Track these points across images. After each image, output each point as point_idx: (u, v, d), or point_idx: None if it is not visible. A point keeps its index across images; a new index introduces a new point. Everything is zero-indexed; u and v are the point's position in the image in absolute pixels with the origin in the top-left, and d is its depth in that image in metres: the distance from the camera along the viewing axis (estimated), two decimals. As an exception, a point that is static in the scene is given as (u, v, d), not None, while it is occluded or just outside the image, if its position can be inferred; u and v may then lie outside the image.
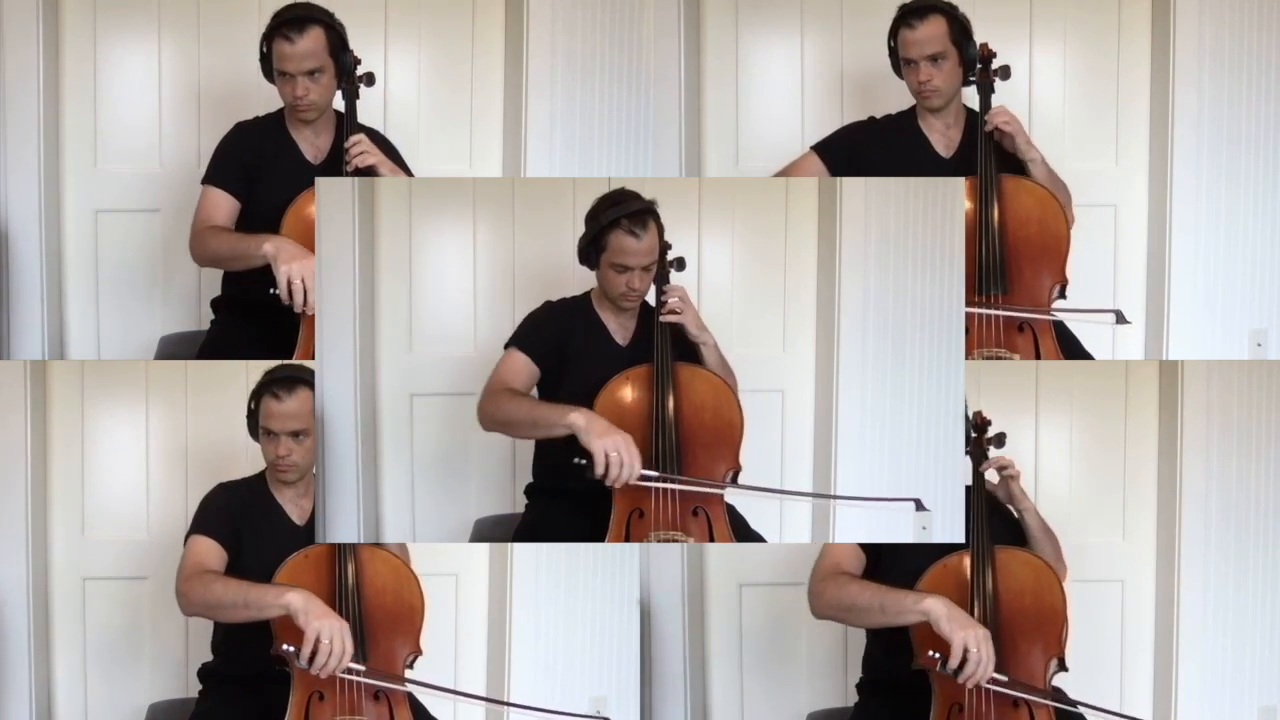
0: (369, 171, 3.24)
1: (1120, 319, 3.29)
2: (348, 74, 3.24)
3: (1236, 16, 3.63)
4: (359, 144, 3.23)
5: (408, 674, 3.02)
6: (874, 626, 3.00)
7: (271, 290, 3.09)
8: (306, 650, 2.77)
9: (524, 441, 3.38)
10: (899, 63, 3.28)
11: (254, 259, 3.10)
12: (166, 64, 3.69)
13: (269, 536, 3.05)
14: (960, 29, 3.24)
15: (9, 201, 3.63)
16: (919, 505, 3.10)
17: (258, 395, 3.07)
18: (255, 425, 3.09)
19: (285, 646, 2.81)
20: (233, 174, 3.25)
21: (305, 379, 3.09)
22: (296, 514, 3.11)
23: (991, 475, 3.01)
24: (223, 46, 3.64)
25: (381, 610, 3.01)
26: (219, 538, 3.00)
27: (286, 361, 3.14)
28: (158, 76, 3.69)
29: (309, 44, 3.16)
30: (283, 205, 3.18)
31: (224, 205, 3.23)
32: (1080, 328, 3.33)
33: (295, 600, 2.79)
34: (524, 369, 3.08)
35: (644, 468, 2.91)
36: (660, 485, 2.98)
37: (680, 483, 3.00)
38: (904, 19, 3.24)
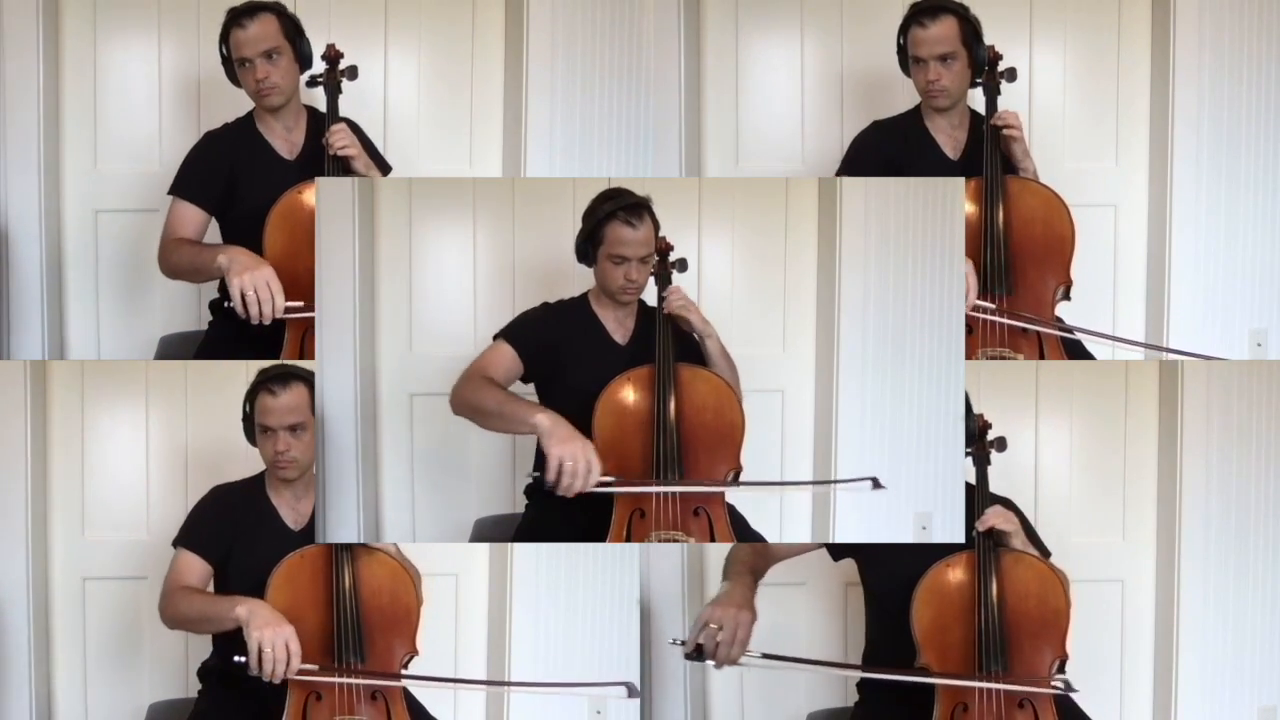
0: (347, 162, 3.24)
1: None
2: (307, 60, 3.25)
3: (1236, 16, 3.63)
4: (341, 134, 3.23)
5: (403, 674, 3.03)
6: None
7: (226, 304, 3.12)
8: (253, 660, 2.82)
9: (525, 442, 3.38)
10: (907, 61, 3.27)
11: (211, 271, 3.12)
12: (166, 64, 3.69)
13: (261, 541, 3.05)
14: (971, 30, 3.23)
15: (9, 201, 3.63)
16: (875, 483, 3.09)
17: (252, 395, 3.07)
18: (251, 428, 3.09)
19: (237, 659, 2.85)
20: (200, 185, 3.26)
21: (299, 374, 3.08)
22: (292, 518, 3.11)
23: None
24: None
25: (378, 611, 3.01)
26: (203, 551, 3.06)
27: (279, 361, 3.14)
28: (158, 76, 3.69)
29: (261, 27, 3.20)
30: (264, 206, 3.18)
31: (190, 217, 3.25)
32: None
33: (241, 612, 2.85)
34: (507, 361, 3.08)
35: (625, 469, 2.93)
36: (617, 491, 2.97)
37: (643, 486, 2.99)
38: (915, 17, 3.24)
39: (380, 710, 2.98)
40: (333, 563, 2.99)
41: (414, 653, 3.03)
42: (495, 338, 3.12)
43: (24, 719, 3.54)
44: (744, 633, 2.79)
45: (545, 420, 2.88)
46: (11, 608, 3.55)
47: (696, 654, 2.80)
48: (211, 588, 3.07)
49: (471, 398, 3.02)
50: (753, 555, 3.04)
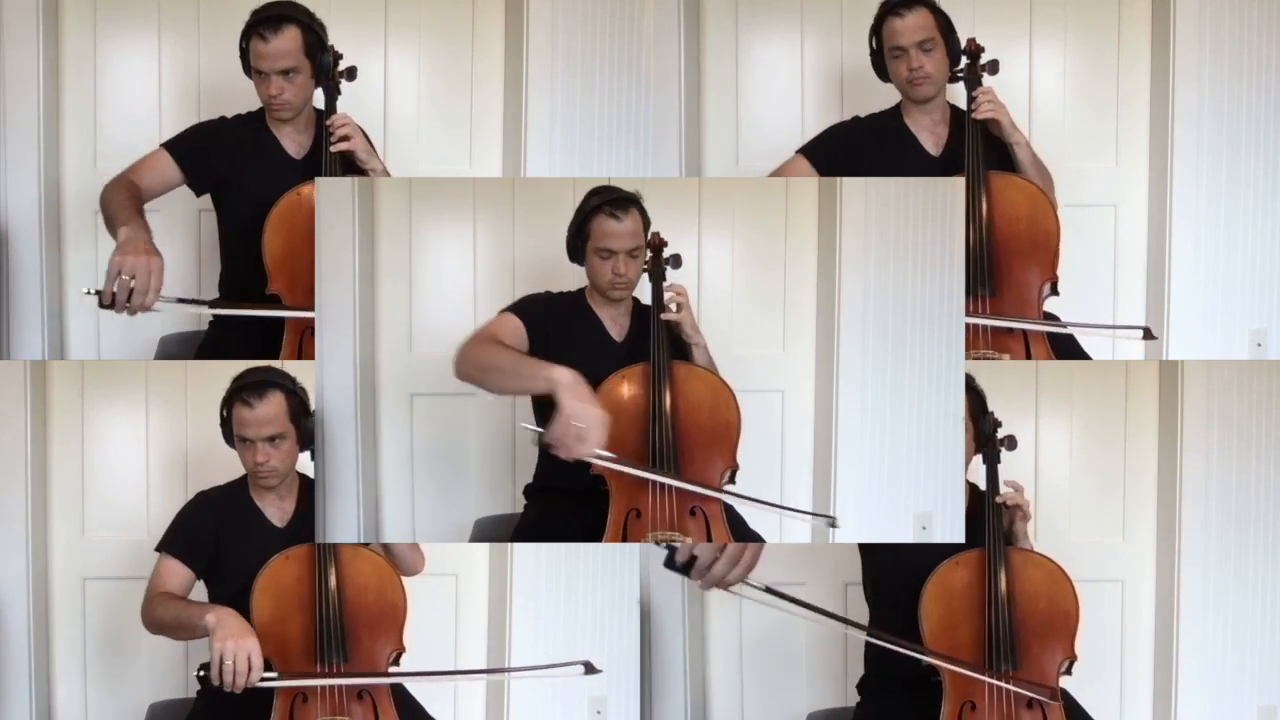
0: (349, 155, 3.22)
1: (1148, 335, 3.33)
2: (326, 72, 3.22)
3: (1236, 16, 3.63)
4: (346, 125, 3.20)
5: (391, 670, 3.01)
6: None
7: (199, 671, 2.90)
8: (214, 669, 2.79)
9: (524, 442, 3.38)
10: (883, 63, 3.29)
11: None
12: (166, 64, 3.69)
13: (250, 542, 3.03)
14: (945, 21, 3.26)
15: (9, 201, 3.63)
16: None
17: (228, 403, 3.04)
18: (230, 433, 3.06)
19: (198, 672, 2.83)
20: (194, 155, 3.21)
21: (276, 381, 3.04)
22: (278, 517, 3.09)
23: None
24: (222, 46, 3.61)
25: (363, 609, 2.99)
26: (185, 558, 3.04)
27: (255, 364, 3.09)
28: (158, 76, 3.69)
29: (284, 44, 3.15)
30: (265, 201, 3.17)
31: (162, 169, 3.19)
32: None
33: (209, 620, 2.82)
34: (515, 331, 3.04)
35: (627, 461, 2.90)
36: (615, 467, 2.90)
37: (630, 466, 2.94)
38: (889, 11, 3.26)
39: (368, 709, 2.95)
40: (316, 562, 2.97)
41: (401, 650, 3.02)
42: (501, 312, 3.09)
43: (24, 719, 3.55)
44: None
45: (566, 374, 2.77)
46: (11, 608, 3.55)
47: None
48: (194, 594, 3.04)
49: (482, 356, 2.94)
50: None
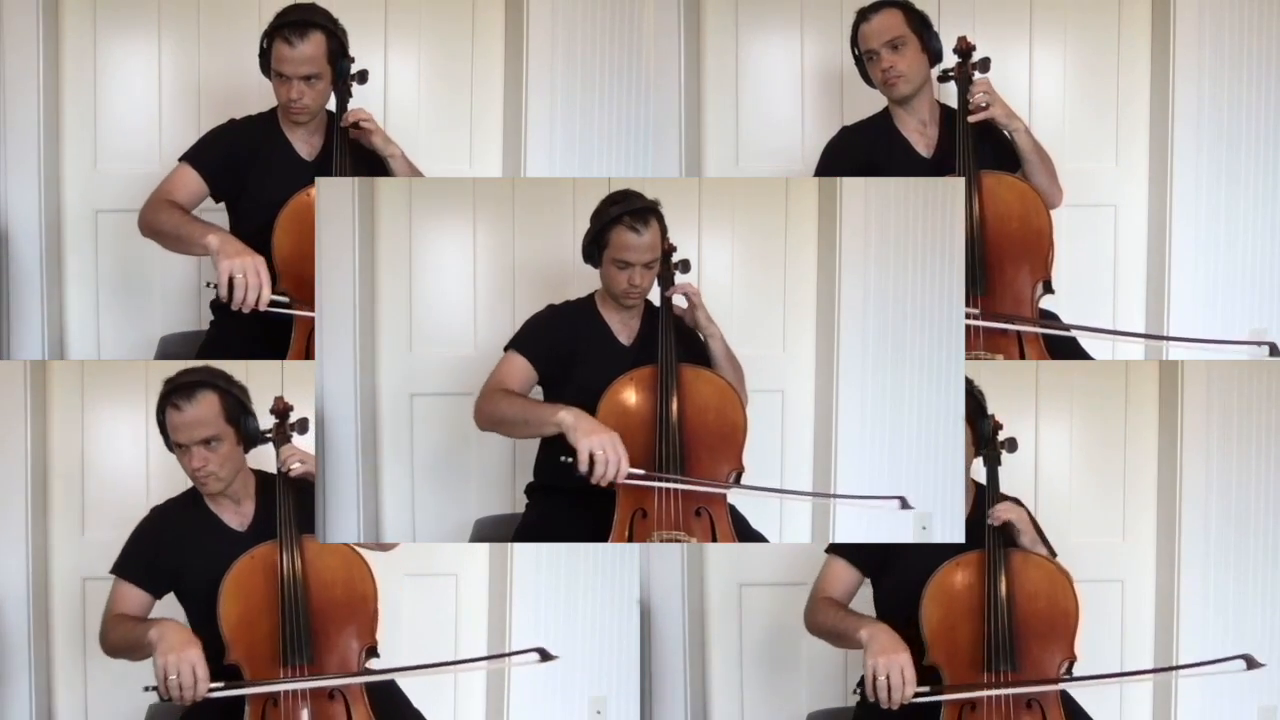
0: (366, 137, 3.22)
1: (1274, 351, 3.34)
2: (344, 78, 3.23)
3: (1236, 16, 3.63)
4: (368, 117, 3.21)
5: (370, 666, 2.96)
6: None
7: (209, 284, 3.03)
8: (160, 685, 2.72)
9: (524, 441, 3.38)
10: (865, 68, 3.30)
11: (195, 247, 3.04)
12: (166, 64, 3.69)
13: (212, 552, 2.92)
14: (919, 19, 3.26)
15: (9, 201, 3.63)
16: (903, 503, 3.10)
17: (161, 409, 2.92)
18: (168, 440, 2.94)
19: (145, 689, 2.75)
20: (214, 162, 3.20)
21: (207, 381, 2.91)
22: (237, 522, 2.99)
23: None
24: (222, 46, 3.64)
25: (330, 603, 2.92)
26: (139, 581, 2.97)
27: (190, 364, 3.00)
28: (158, 76, 3.69)
29: (309, 49, 3.15)
30: (276, 202, 3.17)
31: (191, 185, 3.18)
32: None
33: (152, 635, 2.75)
34: (521, 371, 3.09)
35: (633, 466, 2.91)
36: (649, 484, 2.97)
37: (670, 481, 2.99)
38: (861, 17, 3.29)
39: (339, 708, 2.89)
40: (280, 557, 2.89)
41: (372, 644, 2.96)
42: (505, 349, 3.12)
43: (24, 719, 3.54)
44: (910, 672, 2.83)
45: (568, 416, 2.89)
46: (11, 607, 3.54)
47: (876, 702, 2.86)
48: (153, 613, 2.97)
49: (493, 411, 3.04)
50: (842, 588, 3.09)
